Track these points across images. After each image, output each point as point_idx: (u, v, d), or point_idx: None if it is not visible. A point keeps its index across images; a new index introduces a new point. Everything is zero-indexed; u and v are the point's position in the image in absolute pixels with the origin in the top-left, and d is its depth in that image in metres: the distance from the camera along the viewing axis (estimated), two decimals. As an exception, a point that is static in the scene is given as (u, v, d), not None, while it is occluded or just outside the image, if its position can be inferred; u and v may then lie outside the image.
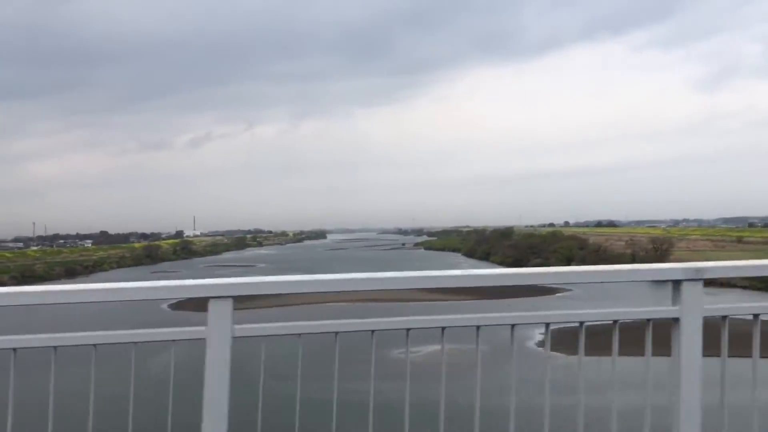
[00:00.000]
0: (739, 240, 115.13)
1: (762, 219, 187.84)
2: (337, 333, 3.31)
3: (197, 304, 3.09)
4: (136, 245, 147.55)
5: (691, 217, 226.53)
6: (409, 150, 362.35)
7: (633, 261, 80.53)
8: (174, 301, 24.04)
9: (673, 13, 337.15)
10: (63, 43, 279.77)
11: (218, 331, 3.10)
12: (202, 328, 3.11)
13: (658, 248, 79.22)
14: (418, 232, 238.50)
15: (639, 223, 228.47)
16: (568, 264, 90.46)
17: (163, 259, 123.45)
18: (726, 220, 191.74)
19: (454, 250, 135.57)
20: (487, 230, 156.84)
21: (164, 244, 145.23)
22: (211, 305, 3.10)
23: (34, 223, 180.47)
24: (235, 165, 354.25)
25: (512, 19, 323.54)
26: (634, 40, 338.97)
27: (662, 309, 3.46)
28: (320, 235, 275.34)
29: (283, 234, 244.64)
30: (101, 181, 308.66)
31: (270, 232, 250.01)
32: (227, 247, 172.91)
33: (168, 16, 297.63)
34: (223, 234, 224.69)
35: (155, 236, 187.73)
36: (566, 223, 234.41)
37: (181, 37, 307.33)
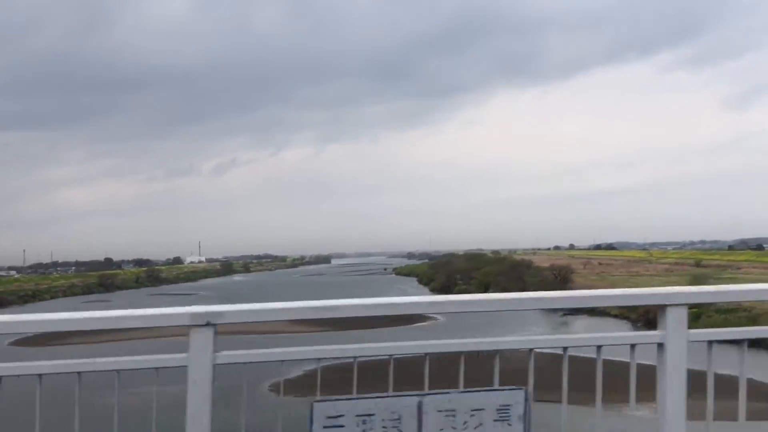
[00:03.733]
0: (697, 264, 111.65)
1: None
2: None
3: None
4: (128, 272, 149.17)
5: (709, 239, 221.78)
6: (434, 173, 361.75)
7: (537, 287, 77.99)
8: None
9: (700, 33, 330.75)
10: (94, 73, 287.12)
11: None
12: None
13: (557, 275, 76.33)
14: (424, 256, 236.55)
15: (653, 245, 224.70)
16: (486, 290, 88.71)
17: (120, 288, 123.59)
18: (743, 242, 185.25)
19: (418, 276, 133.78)
20: (467, 255, 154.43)
21: (128, 272, 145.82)
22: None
23: (24, 250, 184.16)
24: (259, 190, 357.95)
25: (537, 41, 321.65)
26: (660, 60, 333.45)
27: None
28: (324, 259, 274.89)
29: (281, 259, 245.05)
30: (129, 207, 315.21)
31: (276, 257, 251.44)
32: (216, 273, 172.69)
33: (195, 45, 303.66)
34: (227, 259, 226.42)
35: (151, 263, 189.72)
36: (571, 246, 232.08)
37: (209, 64, 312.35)
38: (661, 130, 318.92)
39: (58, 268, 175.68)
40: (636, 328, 55.28)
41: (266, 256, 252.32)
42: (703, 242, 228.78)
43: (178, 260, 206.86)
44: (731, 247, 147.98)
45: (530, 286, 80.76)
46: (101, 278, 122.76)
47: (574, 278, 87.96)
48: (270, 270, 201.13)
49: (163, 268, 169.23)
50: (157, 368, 3.22)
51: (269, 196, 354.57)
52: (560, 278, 74.09)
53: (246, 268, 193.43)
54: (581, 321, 61.22)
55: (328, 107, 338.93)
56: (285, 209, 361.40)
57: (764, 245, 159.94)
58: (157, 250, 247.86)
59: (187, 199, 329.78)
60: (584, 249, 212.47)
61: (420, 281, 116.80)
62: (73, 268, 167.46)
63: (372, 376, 3.46)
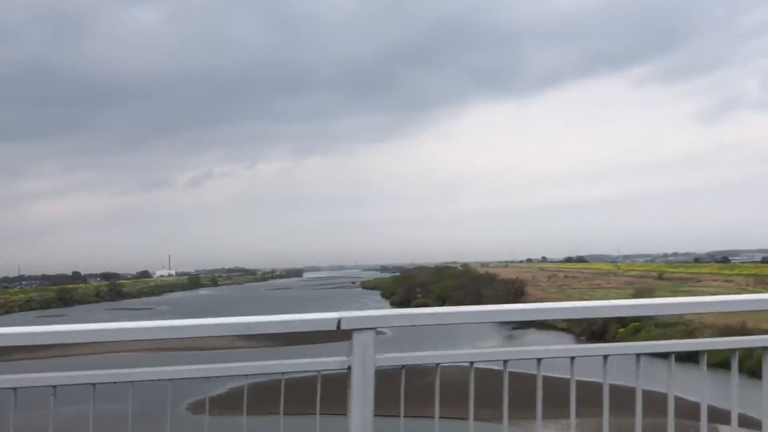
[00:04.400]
0: (660, 277, 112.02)
1: (746, 253, 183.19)
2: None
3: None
4: (89, 286, 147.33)
5: (681, 251, 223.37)
6: (411, 186, 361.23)
7: (492, 300, 77.60)
8: None
9: (672, 48, 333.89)
10: (69, 86, 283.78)
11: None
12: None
13: (511, 288, 75.92)
14: (396, 269, 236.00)
15: (626, 257, 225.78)
16: (443, 303, 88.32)
17: (80, 302, 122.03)
18: (710, 254, 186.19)
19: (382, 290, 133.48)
20: (437, 268, 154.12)
21: (89, 286, 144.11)
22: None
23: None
24: (234, 203, 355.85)
25: (513, 55, 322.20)
26: (633, 74, 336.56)
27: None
28: (296, 273, 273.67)
29: (251, 273, 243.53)
30: (102, 221, 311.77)
31: (248, 270, 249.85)
32: (183, 287, 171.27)
33: (170, 57, 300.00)
34: (198, 273, 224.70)
35: (118, 276, 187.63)
36: (543, 259, 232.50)
37: (184, 77, 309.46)
38: (634, 143, 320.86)
39: (23, 282, 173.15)
40: (579, 341, 55.00)
41: (238, 270, 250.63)
42: (675, 254, 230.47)
43: (146, 274, 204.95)
44: (697, 260, 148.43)
45: (486, 299, 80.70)
46: (60, 293, 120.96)
47: (532, 291, 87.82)
48: (238, 284, 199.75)
49: (127, 282, 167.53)
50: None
51: (244, 209, 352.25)
52: (513, 292, 73.45)
53: (214, 282, 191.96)
54: (529, 335, 60.95)
55: (304, 120, 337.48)
56: (260, 222, 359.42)
57: (730, 258, 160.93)
58: (128, 264, 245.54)
59: (161, 212, 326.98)
60: (556, 262, 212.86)
61: (383, 295, 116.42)
62: (38, 282, 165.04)
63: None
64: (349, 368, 3.14)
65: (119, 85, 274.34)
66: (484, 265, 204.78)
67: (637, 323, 51.49)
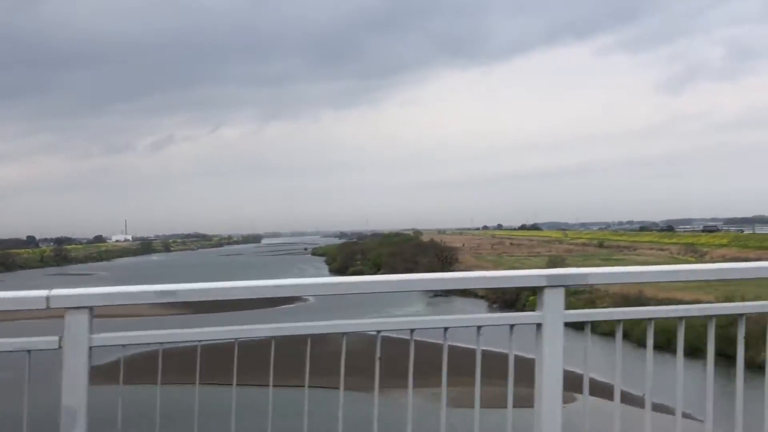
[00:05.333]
0: (600, 244, 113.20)
1: (700, 221, 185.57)
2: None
3: None
4: (34, 251, 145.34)
5: (638, 219, 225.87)
6: (375, 153, 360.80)
7: (429, 267, 77.95)
8: None
9: (637, 17, 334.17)
10: (30, 48, 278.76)
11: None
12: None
13: (441, 256, 76.28)
14: (354, 236, 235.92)
15: (584, 225, 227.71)
16: (378, 270, 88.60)
17: (23, 267, 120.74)
18: (654, 223, 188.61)
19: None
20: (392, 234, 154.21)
21: (34, 251, 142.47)
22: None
23: None
24: (196, 168, 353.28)
25: (479, 23, 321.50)
26: (598, 43, 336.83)
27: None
28: (254, 239, 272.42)
29: (208, 239, 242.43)
30: (63, 184, 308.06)
31: (206, 236, 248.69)
32: (134, 253, 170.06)
33: (133, 20, 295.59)
34: (157, 238, 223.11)
35: (73, 241, 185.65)
36: (499, 226, 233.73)
37: (147, 40, 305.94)
38: (598, 112, 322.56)
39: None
40: (491, 309, 55.58)
41: (196, 235, 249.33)
42: (631, 222, 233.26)
43: (100, 239, 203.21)
44: (643, 228, 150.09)
45: (419, 267, 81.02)
46: (2, 257, 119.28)
47: (467, 259, 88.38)
48: (192, 250, 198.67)
49: (78, 247, 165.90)
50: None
51: (206, 174, 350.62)
52: (442, 260, 73.82)
53: (166, 248, 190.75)
54: (447, 302, 61.45)
55: (268, 85, 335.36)
56: (222, 188, 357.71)
57: (681, 227, 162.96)
58: (86, 228, 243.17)
59: (122, 176, 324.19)
60: (512, 229, 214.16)
61: (326, 261, 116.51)
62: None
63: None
64: (60, 347, 3.04)
65: (82, 48, 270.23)
66: (441, 232, 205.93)
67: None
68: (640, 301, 42.56)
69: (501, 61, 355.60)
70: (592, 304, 46.76)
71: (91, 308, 3.02)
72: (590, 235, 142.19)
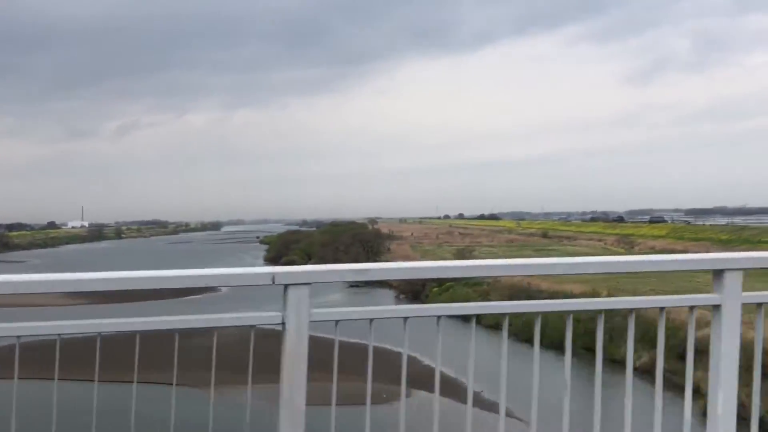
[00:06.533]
0: (544, 235, 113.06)
1: (662, 212, 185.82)
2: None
3: None
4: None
5: (600, 210, 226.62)
6: (344, 141, 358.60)
7: (354, 258, 76.77)
8: None
9: (605, 9, 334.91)
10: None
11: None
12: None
13: (365, 248, 75.16)
14: (314, 224, 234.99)
15: (548, 215, 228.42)
16: (309, 260, 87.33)
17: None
18: (605, 213, 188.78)
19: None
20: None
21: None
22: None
23: None
24: (161, 154, 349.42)
25: (450, 12, 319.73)
26: (567, 34, 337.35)
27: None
28: (213, 226, 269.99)
29: (162, 226, 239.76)
30: (24, 169, 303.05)
31: (165, 223, 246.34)
32: (82, 240, 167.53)
33: (98, 2, 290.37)
34: (117, 225, 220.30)
35: (26, 227, 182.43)
36: (460, 215, 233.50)
37: (113, 23, 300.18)
38: (567, 102, 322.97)
39: None
40: (398, 300, 54.53)
41: (153, 222, 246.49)
42: (594, 212, 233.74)
43: (53, 225, 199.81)
44: (594, 219, 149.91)
45: (345, 257, 79.90)
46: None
47: (400, 249, 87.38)
48: (145, 237, 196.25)
49: (26, 233, 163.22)
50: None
51: (172, 160, 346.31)
52: (368, 251, 72.77)
53: (118, 235, 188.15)
54: (366, 292, 60.38)
55: (237, 71, 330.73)
56: (187, 174, 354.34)
57: (638, 217, 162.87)
58: (43, 214, 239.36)
59: (86, 161, 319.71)
60: (471, 218, 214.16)
61: (267, 250, 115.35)
62: None
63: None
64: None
65: (46, 30, 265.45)
66: (402, 221, 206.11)
67: (451, 284, 51.13)
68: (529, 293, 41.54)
69: (471, 50, 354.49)
70: (487, 296, 45.86)
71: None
72: (542, 225, 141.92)
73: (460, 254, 57.54)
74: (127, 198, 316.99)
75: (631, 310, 3.65)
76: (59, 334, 3.07)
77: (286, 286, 3.09)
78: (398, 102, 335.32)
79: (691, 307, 3.60)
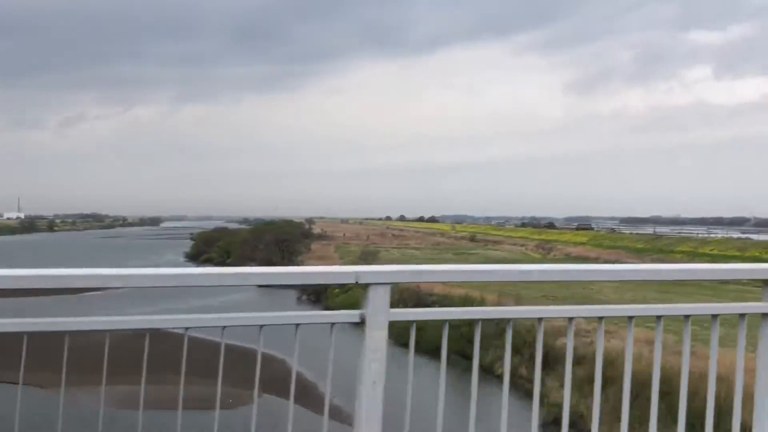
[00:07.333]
0: (472, 238, 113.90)
1: (600, 220, 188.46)
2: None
3: None
4: None
5: (541, 215, 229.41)
6: (295, 140, 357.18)
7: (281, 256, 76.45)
8: None
9: (555, 19, 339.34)
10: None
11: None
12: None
13: (281, 249, 74.88)
14: (256, 222, 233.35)
15: (488, 219, 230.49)
16: (228, 257, 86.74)
17: None
18: (534, 218, 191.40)
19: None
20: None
21: None
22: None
23: None
24: (108, 147, 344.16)
25: (403, 14, 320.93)
26: (516, 42, 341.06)
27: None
28: (153, 221, 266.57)
29: (98, 219, 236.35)
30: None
31: (100, 216, 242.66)
32: (12, 232, 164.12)
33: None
34: (57, 217, 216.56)
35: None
36: (401, 217, 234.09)
37: (59, 12, 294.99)
38: (514, 109, 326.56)
39: None
40: (300, 302, 54.30)
41: (92, 216, 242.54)
42: (534, 218, 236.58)
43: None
44: (524, 224, 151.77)
45: (259, 256, 79.59)
46: None
47: (320, 249, 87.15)
48: (79, 230, 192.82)
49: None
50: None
51: (118, 153, 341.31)
52: (283, 250, 72.46)
53: (50, 228, 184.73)
54: (270, 293, 60.04)
55: (186, 65, 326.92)
56: (132, 168, 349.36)
57: (572, 224, 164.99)
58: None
59: (28, 152, 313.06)
60: (411, 221, 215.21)
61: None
62: None
63: None
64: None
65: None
66: (344, 221, 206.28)
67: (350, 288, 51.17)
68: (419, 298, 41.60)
69: (423, 53, 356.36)
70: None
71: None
72: (474, 229, 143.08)
73: (364, 256, 57.64)
74: (68, 190, 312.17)
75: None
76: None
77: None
78: (350, 103, 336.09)
79: (332, 324, 3.45)
